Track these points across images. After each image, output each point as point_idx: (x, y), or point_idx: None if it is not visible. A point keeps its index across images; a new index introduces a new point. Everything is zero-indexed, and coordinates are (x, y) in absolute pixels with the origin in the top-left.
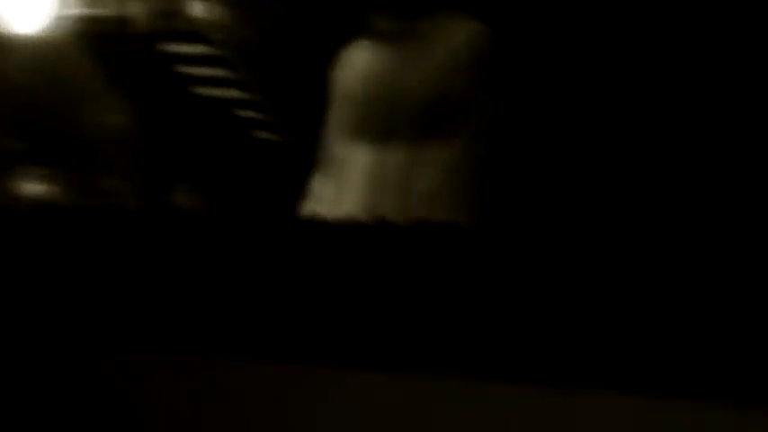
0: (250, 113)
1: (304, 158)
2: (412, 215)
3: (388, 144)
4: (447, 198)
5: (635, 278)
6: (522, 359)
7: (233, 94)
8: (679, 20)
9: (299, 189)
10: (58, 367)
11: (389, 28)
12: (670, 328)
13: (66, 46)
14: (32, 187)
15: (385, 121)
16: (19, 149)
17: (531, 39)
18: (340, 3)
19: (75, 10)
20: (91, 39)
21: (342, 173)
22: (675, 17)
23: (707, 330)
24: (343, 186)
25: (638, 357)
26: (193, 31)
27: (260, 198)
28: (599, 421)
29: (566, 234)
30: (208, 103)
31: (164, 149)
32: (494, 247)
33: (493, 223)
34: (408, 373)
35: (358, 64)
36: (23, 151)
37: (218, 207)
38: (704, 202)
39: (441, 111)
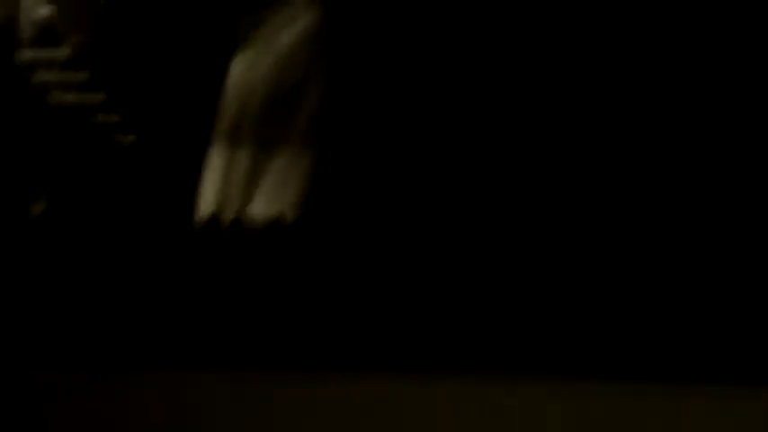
0: (109, 117)
1: (167, 160)
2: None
3: (237, 144)
4: (287, 196)
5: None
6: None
7: (90, 98)
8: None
9: (161, 191)
10: None
11: (244, 19)
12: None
13: None
14: None
15: (234, 119)
16: None
17: (370, 23)
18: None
19: None
20: None
21: (204, 176)
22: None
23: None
24: (203, 189)
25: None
26: (44, 35)
27: (124, 202)
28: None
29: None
30: (65, 108)
31: (21, 159)
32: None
33: (324, 218)
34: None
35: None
36: None
37: (81, 213)
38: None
39: (281, 104)
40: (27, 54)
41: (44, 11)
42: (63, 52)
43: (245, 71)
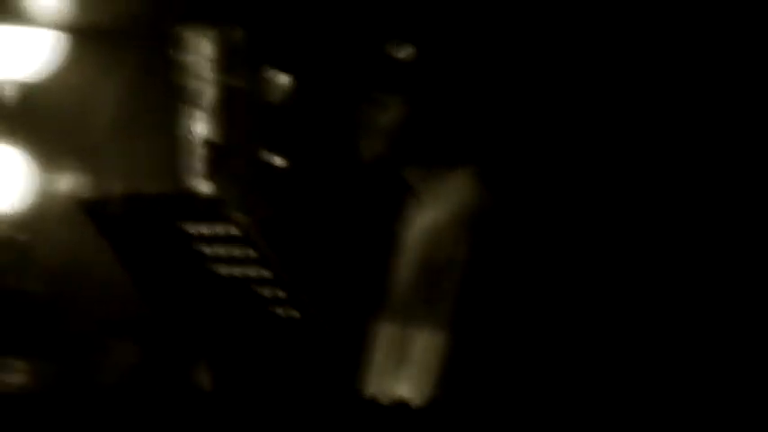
0: (271, 291)
1: (325, 334)
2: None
3: (396, 317)
4: (431, 375)
5: None
6: None
7: (252, 271)
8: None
9: (321, 365)
10: None
11: (409, 192)
12: None
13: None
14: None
15: (396, 292)
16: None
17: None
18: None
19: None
20: (103, 219)
21: (371, 349)
22: None
23: None
24: (371, 364)
25: None
26: (209, 210)
27: (283, 375)
28: None
29: None
30: (231, 282)
31: (183, 329)
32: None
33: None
34: None
35: None
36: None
37: (240, 385)
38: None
39: (426, 283)
40: (195, 227)
41: (210, 187)
42: (230, 228)
43: (407, 245)
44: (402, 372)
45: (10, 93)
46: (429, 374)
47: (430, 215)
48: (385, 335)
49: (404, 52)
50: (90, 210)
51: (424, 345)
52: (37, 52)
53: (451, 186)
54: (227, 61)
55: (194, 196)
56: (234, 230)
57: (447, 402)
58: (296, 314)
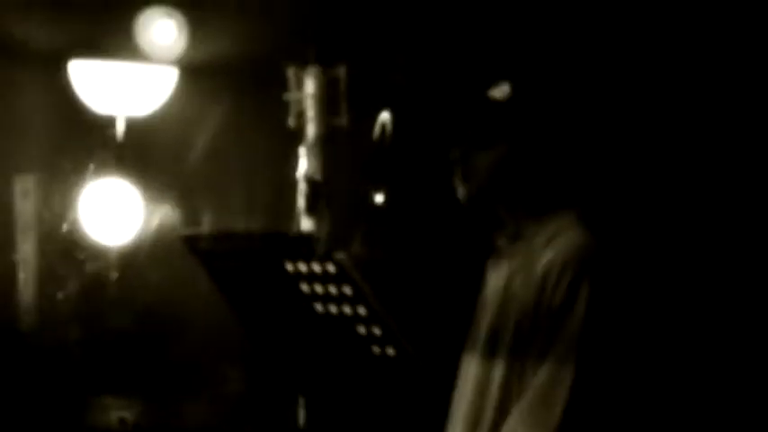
0: (370, 329)
1: (426, 372)
2: None
3: (492, 360)
4: (534, 418)
5: None
6: None
7: (352, 310)
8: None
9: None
10: None
11: (506, 233)
12: None
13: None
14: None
15: (491, 334)
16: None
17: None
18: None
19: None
20: (203, 256)
21: (459, 387)
22: None
23: None
24: (457, 402)
25: None
26: (307, 248)
27: (384, 415)
28: None
29: None
30: (327, 319)
31: (285, 367)
32: None
33: None
34: None
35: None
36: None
37: (335, 422)
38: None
39: (535, 324)
40: (293, 265)
41: (310, 224)
42: (328, 266)
43: (501, 287)
44: (514, 409)
45: (121, 128)
46: (552, 414)
47: (542, 259)
48: (480, 372)
49: (503, 93)
50: (191, 245)
51: (544, 383)
52: (148, 88)
53: (555, 229)
54: (330, 99)
55: (293, 234)
56: (331, 268)
57: None
58: (392, 352)
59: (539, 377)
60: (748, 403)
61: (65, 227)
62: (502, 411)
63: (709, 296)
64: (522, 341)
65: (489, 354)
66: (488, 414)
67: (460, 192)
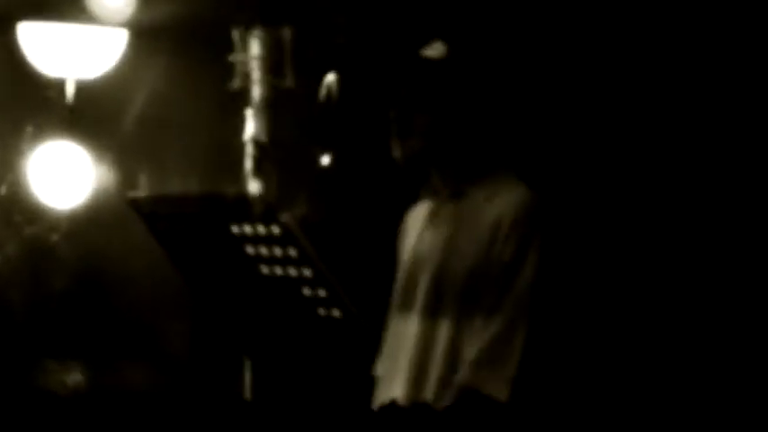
0: (315, 291)
1: (371, 335)
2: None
3: (436, 315)
4: (490, 370)
5: None
6: None
7: (297, 272)
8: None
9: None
10: None
11: (443, 192)
12: None
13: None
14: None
15: (433, 290)
16: None
17: (574, 203)
18: (396, 172)
19: (137, 191)
20: (148, 218)
21: (395, 347)
22: None
23: None
24: (395, 362)
25: None
26: (254, 210)
27: (327, 377)
28: None
29: None
30: (272, 281)
31: (228, 329)
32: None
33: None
34: None
35: (412, 233)
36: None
37: (284, 385)
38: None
39: (485, 279)
40: (240, 227)
41: (256, 188)
42: (274, 228)
43: (441, 244)
44: (461, 363)
45: (71, 90)
46: (506, 367)
47: (470, 216)
48: (410, 331)
49: (438, 51)
50: (139, 207)
51: (493, 338)
52: (97, 51)
53: (491, 188)
54: (275, 61)
55: (236, 197)
56: (276, 230)
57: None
58: (337, 313)
59: (490, 330)
60: (689, 357)
61: (3, 189)
62: (451, 365)
63: (648, 253)
64: (471, 296)
65: (432, 310)
66: (435, 369)
67: (397, 152)
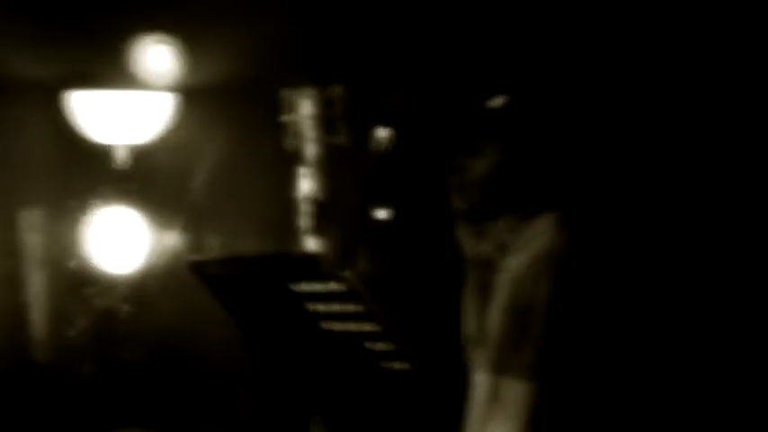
0: (380, 345)
1: (437, 386)
2: None
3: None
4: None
5: None
6: None
7: (361, 327)
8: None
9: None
10: None
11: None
12: None
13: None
14: None
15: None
16: None
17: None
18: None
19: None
20: (209, 281)
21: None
22: None
23: None
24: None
25: None
26: (314, 268)
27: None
28: None
29: None
30: (336, 337)
31: (296, 388)
32: None
33: None
34: None
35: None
36: None
37: None
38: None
39: (512, 331)
40: (301, 285)
41: (316, 244)
42: (337, 285)
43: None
44: (495, 420)
45: (124, 155)
46: (518, 421)
47: (518, 261)
48: (482, 383)
49: (497, 102)
50: (198, 271)
51: (514, 391)
52: (147, 115)
53: (534, 232)
54: (328, 119)
55: (298, 255)
56: (340, 287)
57: None
58: (401, 366)
59: (509, 387)
60: (726, 405)
61: (73, 261)
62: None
63: (689, 303)
64: (502, 353)
65: (491, 361)
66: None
67: (458, 201)
